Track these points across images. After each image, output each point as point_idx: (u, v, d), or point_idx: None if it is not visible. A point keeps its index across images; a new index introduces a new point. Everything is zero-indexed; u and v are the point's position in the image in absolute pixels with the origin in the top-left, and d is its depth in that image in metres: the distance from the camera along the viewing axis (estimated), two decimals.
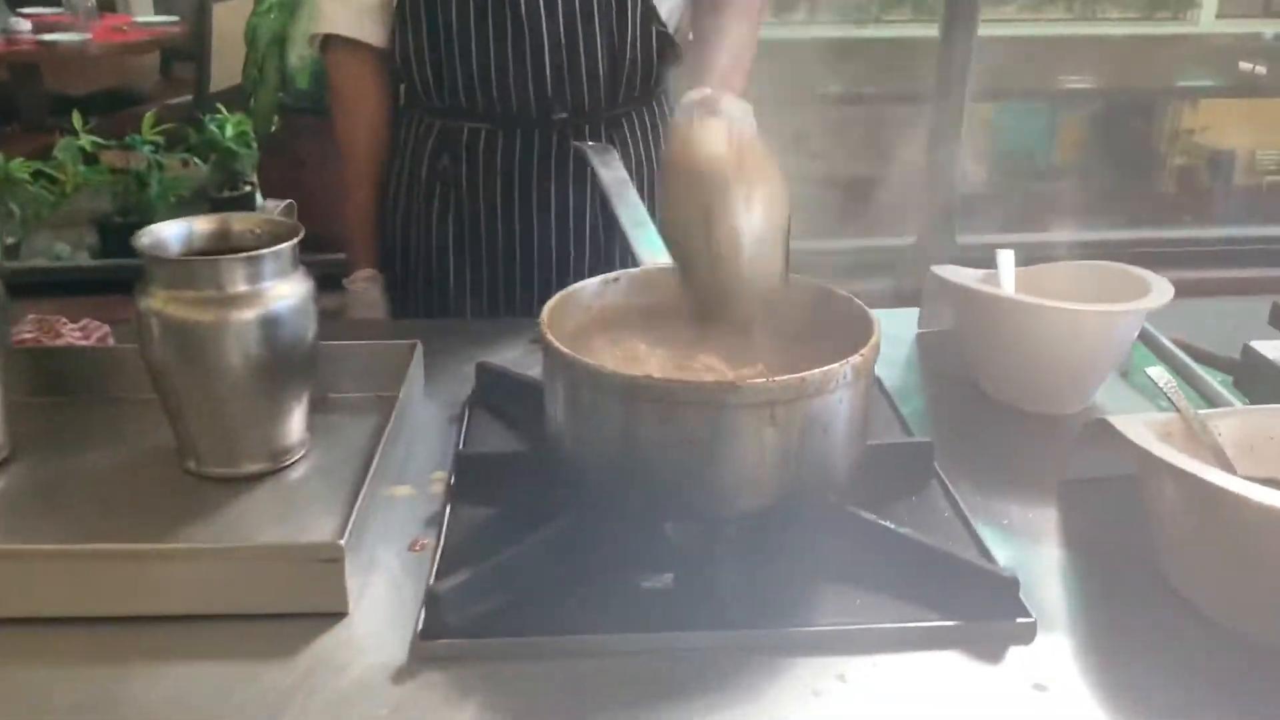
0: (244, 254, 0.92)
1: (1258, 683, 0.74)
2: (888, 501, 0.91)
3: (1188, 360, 1.09)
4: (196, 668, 0.75)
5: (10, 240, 3.12)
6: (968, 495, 0.94)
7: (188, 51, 5.26)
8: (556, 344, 0.82)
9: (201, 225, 0.98)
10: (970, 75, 2.79)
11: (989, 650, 0.76)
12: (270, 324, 0.94)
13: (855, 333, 0.86)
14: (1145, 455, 0.79)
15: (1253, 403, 1.24)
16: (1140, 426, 0.81)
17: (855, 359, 0.79)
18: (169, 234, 0.96)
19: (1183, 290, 1.17)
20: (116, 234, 3.22)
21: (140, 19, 5.28)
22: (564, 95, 1.31)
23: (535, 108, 1.31)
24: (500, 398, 1.07)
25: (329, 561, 0.78)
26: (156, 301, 0.91)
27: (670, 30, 1.36)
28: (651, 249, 1.02)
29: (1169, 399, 0.88)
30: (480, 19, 1.28)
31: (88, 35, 4.65)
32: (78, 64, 4.80)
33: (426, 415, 1.10)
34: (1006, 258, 1.18)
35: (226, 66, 4.60)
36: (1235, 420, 0.87)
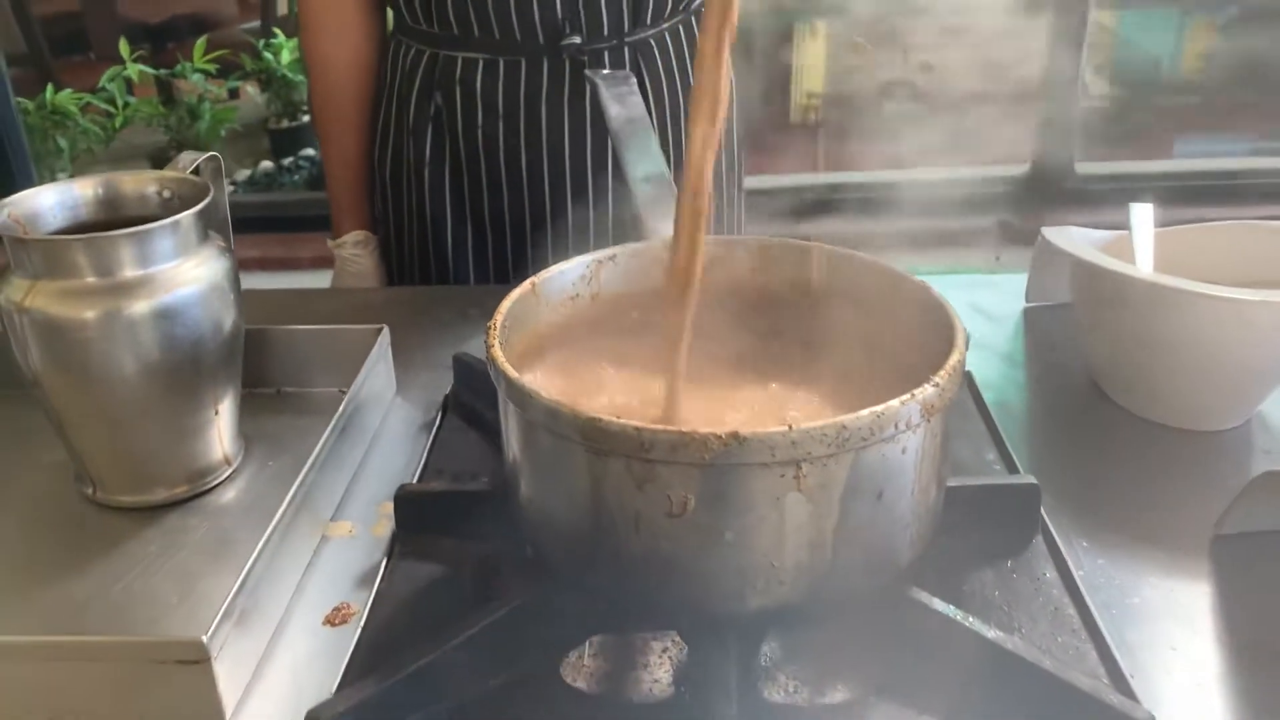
0: (129, 229, 0.71)
1: None
2: (972, 569, 0.67)
3: None
4: None
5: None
6: (1084, 557, 0.69)
7: None
8: (504, 364, 0.59)
9: (85, 190, 0.77)
10: None
11: None
12: (171, 316, 0.73)
13: (932, 342, 0.61)
14: None
15: None
16: None
17: (926, 391, 0.55)
18: (43, 204, 0.75)
19: None
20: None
21: None
22: (577, 14, 1.05)
23: (542, 31, 1.06)
24: (480, 399, 0.85)
25: (192, 663, 0.58)
26: (18, 293, 0.71)
27: None
28: (664, 212, 0.77)
29: None
30: None
31: None
32: None
33: (396, 419, 0.89)
34: (1143, 215, 0.91)
35: None
36: None
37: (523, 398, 0.57)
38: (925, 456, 0.57)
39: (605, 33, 1.07)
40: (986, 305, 1.04)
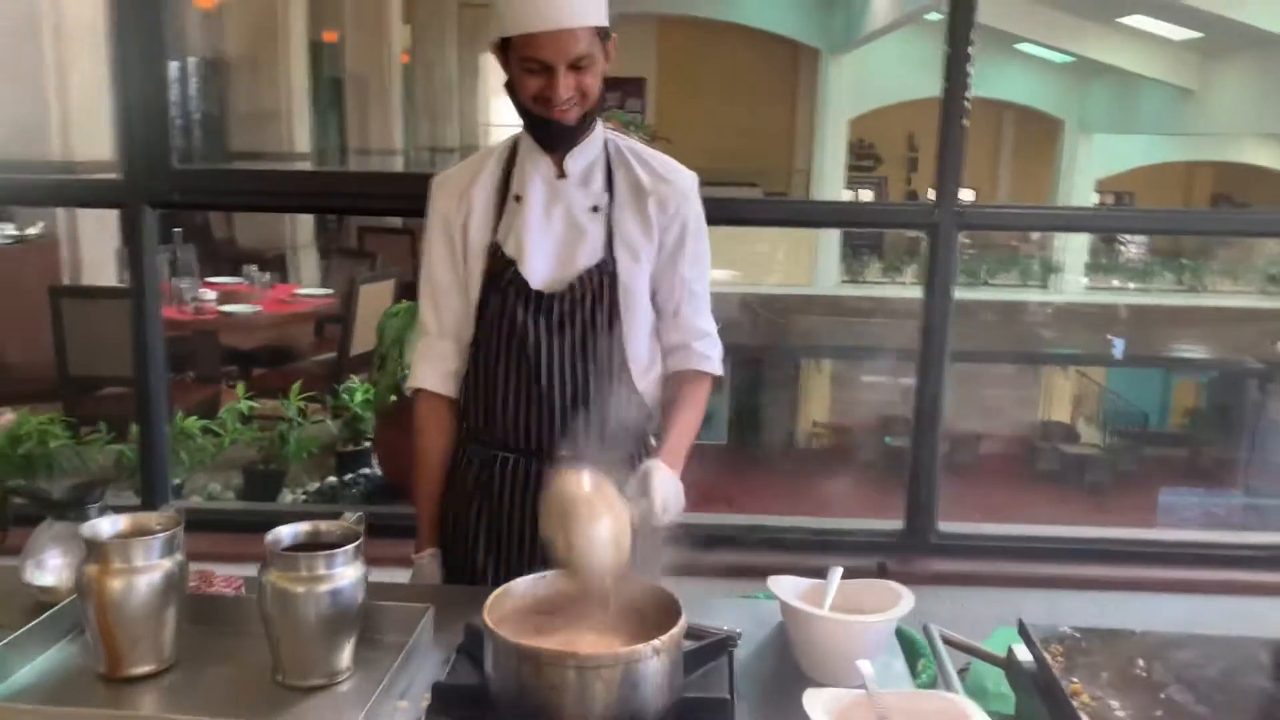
0: (325, 552, 1.56)
1: None
2: None
3: (941, 651, 1.61)
4: None
5: (176, 481, 3.92)
6: None
7: (336, 318, 6.24)
8: (490, 624, 1.42)
9: (303, 528, 1.63)
10: (949, 344, 2.95)
11: None
12: (337, 594, 1.56)
13: (671, 622, 1.43)
14: None
15: (1018, 692, 1.73)
16: (818, 703, 1.34)
17: (656, 642, 1.37)
18: (284, 533, 1.61)
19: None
20: (258, 479, 4.00)
21: (302, 291, 6.31)
22: (562, 437, 1.96)
23: (548, 447, 1.97)
24: (478, 647, 1.66)
25: None
26: (271, 576, 1.55)
27: (649, 407, 2.02)
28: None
29: (863, 680, 1.40)
30: (518, 388, 1.97)
31: (260, 306, 5.63)
32: (248, 327, 5.78)
33: (431, 655, 1.70)
34: (835, 574, 1.73)
35: (367, 333, 5.54)
36: (902, 699, 1.39)
37: (494, 636, 1.39)
38: (659, 673, 1.38)
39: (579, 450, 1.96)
40: (766, 617, 1.85)
